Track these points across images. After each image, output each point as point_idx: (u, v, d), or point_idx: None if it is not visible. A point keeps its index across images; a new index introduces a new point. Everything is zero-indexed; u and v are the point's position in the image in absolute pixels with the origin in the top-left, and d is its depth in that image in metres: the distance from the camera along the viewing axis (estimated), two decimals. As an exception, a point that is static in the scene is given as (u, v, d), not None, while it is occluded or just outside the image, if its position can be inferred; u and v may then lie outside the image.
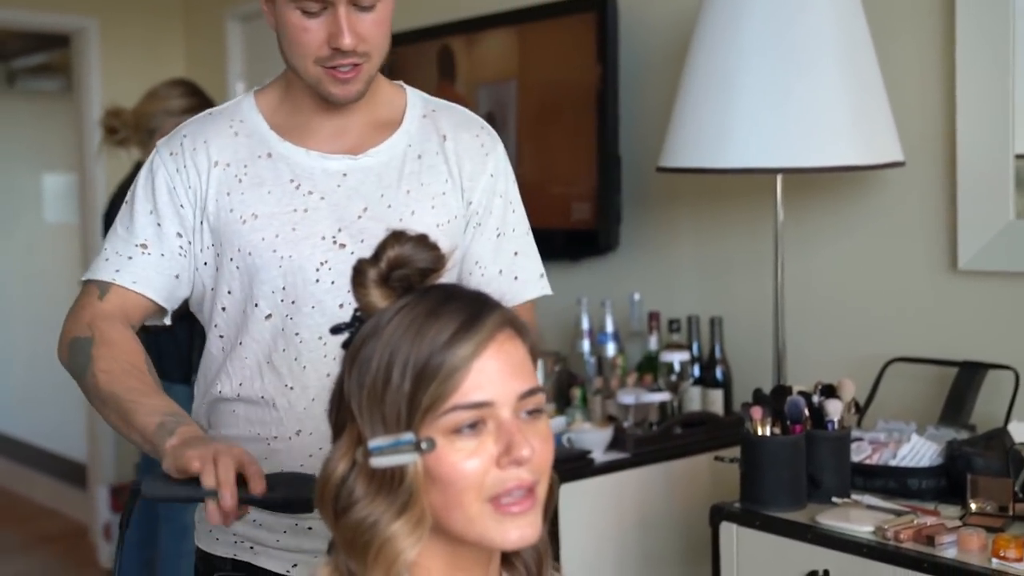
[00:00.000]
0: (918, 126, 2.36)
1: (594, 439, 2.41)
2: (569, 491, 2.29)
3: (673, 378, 2.58)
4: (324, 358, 1.51)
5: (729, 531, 2.02)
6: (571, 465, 2.32)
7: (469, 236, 1.61)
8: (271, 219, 1.53)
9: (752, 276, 2.66)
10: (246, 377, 1.55)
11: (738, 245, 2.72)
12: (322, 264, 1.52)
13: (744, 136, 2.21)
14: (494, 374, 0.99)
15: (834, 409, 2.02)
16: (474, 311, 1.01)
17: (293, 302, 1.52)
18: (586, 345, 2.84)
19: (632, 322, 2.81)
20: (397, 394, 0.98)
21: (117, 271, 1.55)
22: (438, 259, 1.06)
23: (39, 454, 5.48)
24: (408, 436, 0.98)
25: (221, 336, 1.58)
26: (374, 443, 0.98)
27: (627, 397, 2.52)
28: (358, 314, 1.06)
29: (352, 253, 1.50)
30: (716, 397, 2.64)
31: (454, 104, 1.69)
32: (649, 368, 2.65)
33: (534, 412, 1.02)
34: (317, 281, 1.52)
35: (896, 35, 2.39)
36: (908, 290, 2.41)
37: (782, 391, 2.05)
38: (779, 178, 2.36)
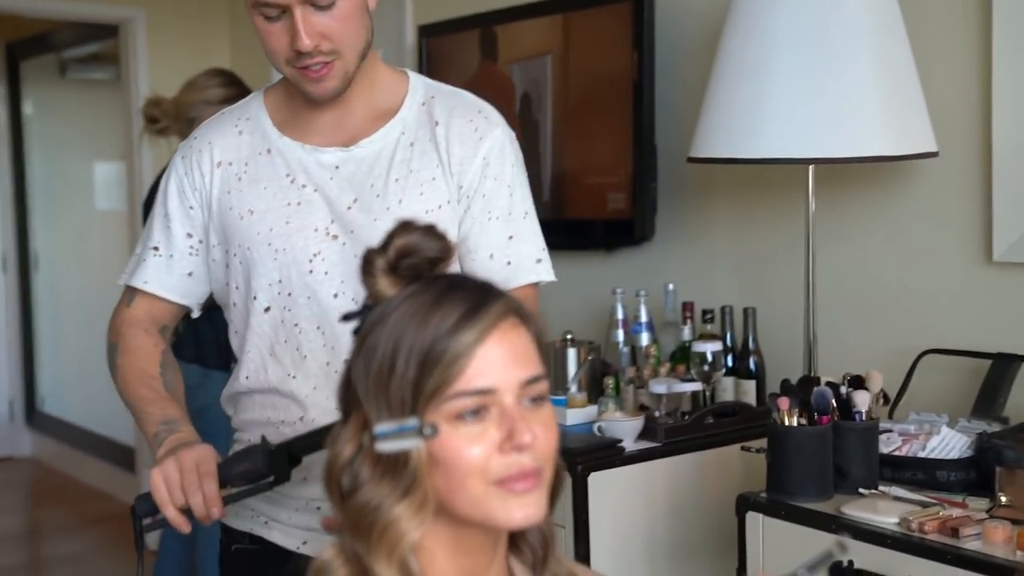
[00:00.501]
0: (952, 116, 2.34)
1: (625, 428, 2.42)
2: (599, 479, 2.30)
3: (705, 368, 2.58)
4: (323, 347, 1.55)
5: (755, 521, 2.02)
6: (601, 454, 2.33)
7: (460, 218, 1.59)
8: (266, 214, 1.58)
9: (786, 267, 2.65)
10: (252, 369, 1.62)
11: (772, 236, 2.71)
12: (315, 255, 1.56)
13: (776, 127, 2.20)
14: (497, 361, 1.01)
15: (862, 400, 2.02)
16: (479, 299, 1.03)
17: (289, 294, 1.56)
18: (620, 335, 2.84)
19: (666, 312, 2.81)
20: (402, 380, 1.00)
21: (134, 274, 1.67)
22: (446, 248, 1.08)
23: (90, 438, 5.59)
24: (412, 422, 1.00)
25: (236, 331, 1.65)
26: (379, 428, 1.01)
27: (659, 387, 2.52)
28: (368, 302, 1.08)
29: (344, 244, 1.54)
30: (749, 388, 2.63)
31: (458, 90, 1.68)
32: (682, 358, 2.66)
33: (537, 399, 1.04)
34: (311, 272, 1.55)
35: (930, 23, 2.37)
36: (942, 281, 2.39)
37: (809, 382, 2.04)
38: (811, 169, 2.35)
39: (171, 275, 1.65)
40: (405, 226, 1.07)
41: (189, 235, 1.64)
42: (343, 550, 1.03)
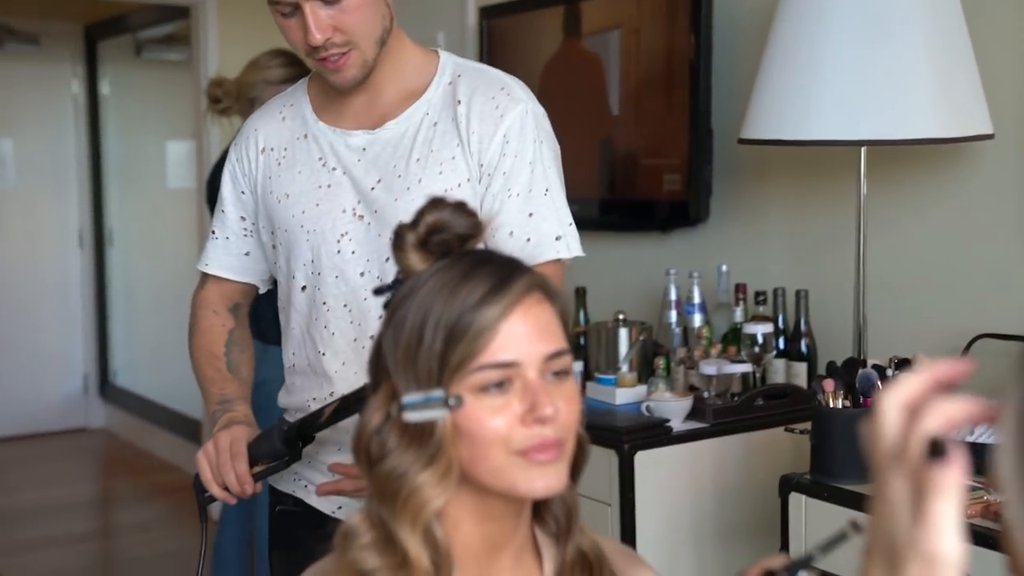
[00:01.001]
0: (1009, 97, 2.31)
1: (673, 408, 2.43)
2: (646, 458, 2.32)
3: (756, 350, 2.58)
4: (350, 324, 1.61)
5: (798, 502, 2.03)
6: (648, 433, 2.35)
7: (481, 195, 1.61)
8: (299, 197, 1.65)
9: (838, 250, 2.64)
10: (295, 345, 1.70)
11: (825, 218, 2.70)
12: (343, 236, 1.61)
13: (827, 108, 2.19)
14: (521, 336, 1.04)
15: (908, 383, 2.01)
16: (504, 274, 1.06)
17: (319, 273, 1.62)
18: (674, 316, 2.85)
19: (719, 294, 2.82)
20: (429, 352, 1.04)
21: (200, 257, 1.80)
22: (476, 225, 1.10)
23: (160, 411, 5.73)
24: (438, 393, 1.03)
25: (282, 308, 1.73)
26: (407, 399, 1.04)
27: (709, 368, 2.53)
28: (398, 276, 1.12)
29: (369, 224, 1.60)
30: (800, 370, 2.63)
31: (485, 67, 1.70)
32: (733, 340, 2.66)
33: (560, 374, 1.07)
34: (339, 252, 1.61)
35: (987, 2, 2.34)
36: (996, 265, 2.37)
37: (855, 364, 2.04)
38: (863, 151, 2.34)
39: (229, 256, 1.76)
40: (436, 203, 1.10)
41: (242, 218, 1.74)
42: (369, 515, 1.07)
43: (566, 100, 3.16)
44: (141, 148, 6.23)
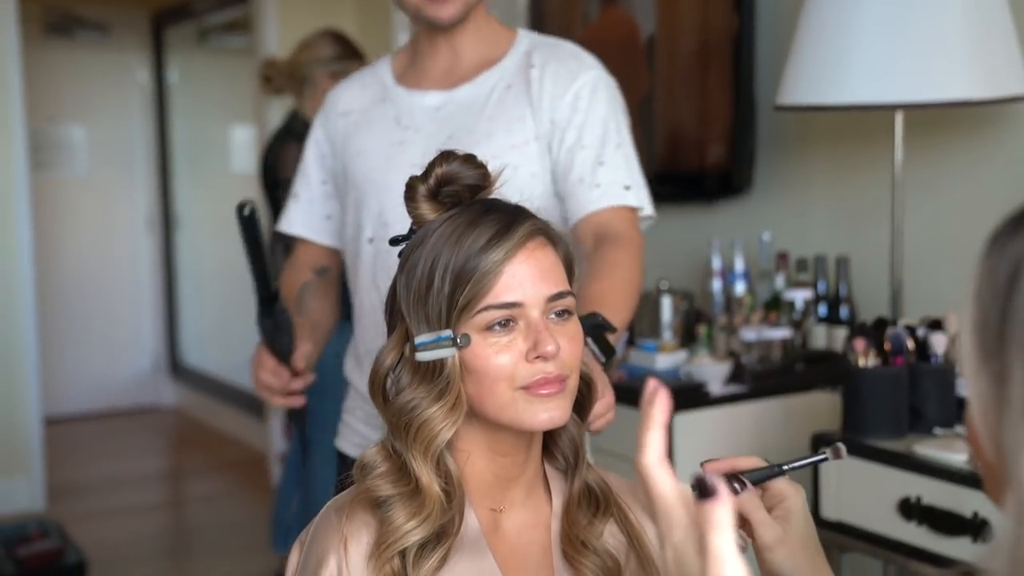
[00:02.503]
0: (1046, 59, 2.30)
1: (711, 372, 2.47)
2: (684, 421, 2.37)
3: (796, 316, 2.61)
4: None
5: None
6: (686, 396, 2.40)
7: (555, 151, 1.68)
8: (371, 153, 1.73)
9: (878, 216, 2.65)
10: (362, 297, 1.76)
11: (866, 185, 2.72)
12: None
13: (861, 71, 2.21)
14: (524, 278, 1.10)
15: (938, 342, 2.04)
16: (508, 221, 1.12)
17: (385, 224, 1.68)
18: (717, 284, 2.89)
19: (761, 262, 2.84)
20: (438, 295, 1.10)
21: (285, 220, 1.88)
22: (484, 176, 1.17)
23: (224, 387, 5.89)
24: (447, 333, 1.10)
25: (350, 264, 1.80)
26: (418, 339, 1.11)
27: (749, 333, 2.57)
28: (412, 227, 1.18)
29: None
30: (840, 335, 2.65)
31: (561, 40, 1.79)
32: (775, 306, 2.69)
33: (563, 314, 1.13)
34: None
35: (1025, -34, 2.34)
36: (1035, 228, 2.37)
37: (884, 324, 2.07)
38: (899, 116, 2.35)
39: (311, 217, 1.85)
40: (446, 155, 1.17)
41: (324, 182, 1.84)
42: (384, 448, 1.14)
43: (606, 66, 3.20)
44: (206, 134, 6.38)
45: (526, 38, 1.76)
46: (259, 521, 4.23)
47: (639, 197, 1.69)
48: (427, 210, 1.16)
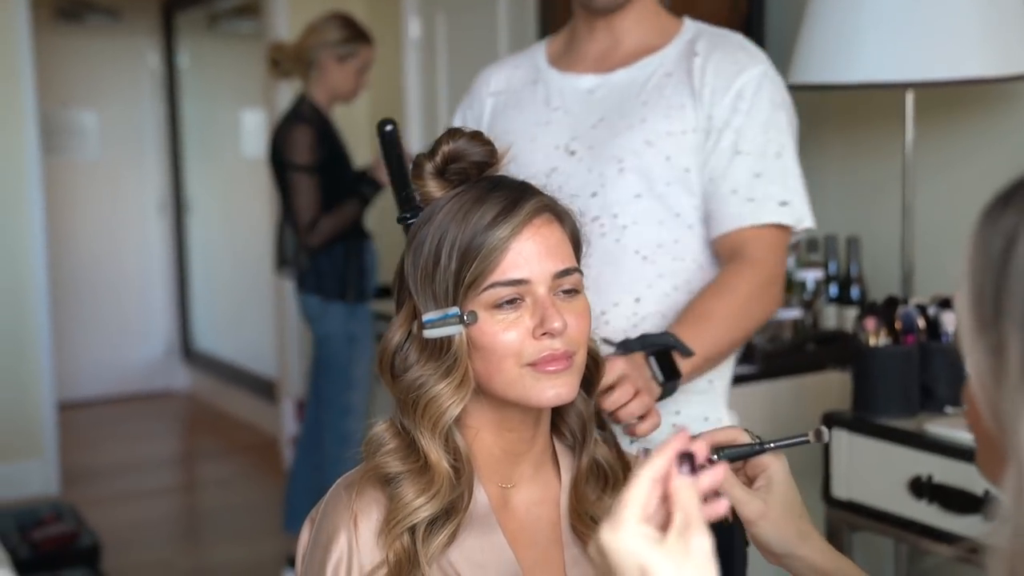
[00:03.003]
0: (1058, 36, 2.29)
1: (722, 352, 2.47)
2: (694, 401, 2.37)
3: (806, 296, 2.61)
4: None
5: (839, 438, 2.06)
6: (697, 376, 2.39)
7: (708, 151, 1.60)
8: (517, 133, 1.66)
9: (889, 196, 2.64)
10: None
11: (877, 164, 2.71)
12: (552, 170, 1.62)
13: (871, 49, 2.20)
14: (531, 255, 1.10)
15: (949, 321, 2.03)
16: (515, 197, 1.12)
17: None
18: (727, 265, 2.88)
19: (772, 242, 2.83)
20: (445, 272, 1.11)
21: None
22: (491, 153, 1.17)
23: (237, 372, 5.90)
24: (454, 310, 1.10)
25: None
26: (426, 316, 1.11)
27: (759, 313, 2.56)
28: (420, 204, 1.18)
29: (581, 160, 1.60)
30: (852, 315, 2.64)
31: (728, 31, 1.70)
32: (786, 287, 2.68)
33: (570, 291, 1.13)
34: (545, 187, 1.63)
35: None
36: (1048, 206, 2.36)
37: (895, 303, 2.06)
38: (910, 95, 2.34)
39: None
40: (452, 132, 1.16)
41: None
42: (393, 425, 1.14)
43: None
44: (217, 119, 6.38)
45: (692, 27, 1.70)
46: (272, 504, 4.25)
47: (795, 213, 1.61)
48: (434, 187, 1.16)
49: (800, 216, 1.61)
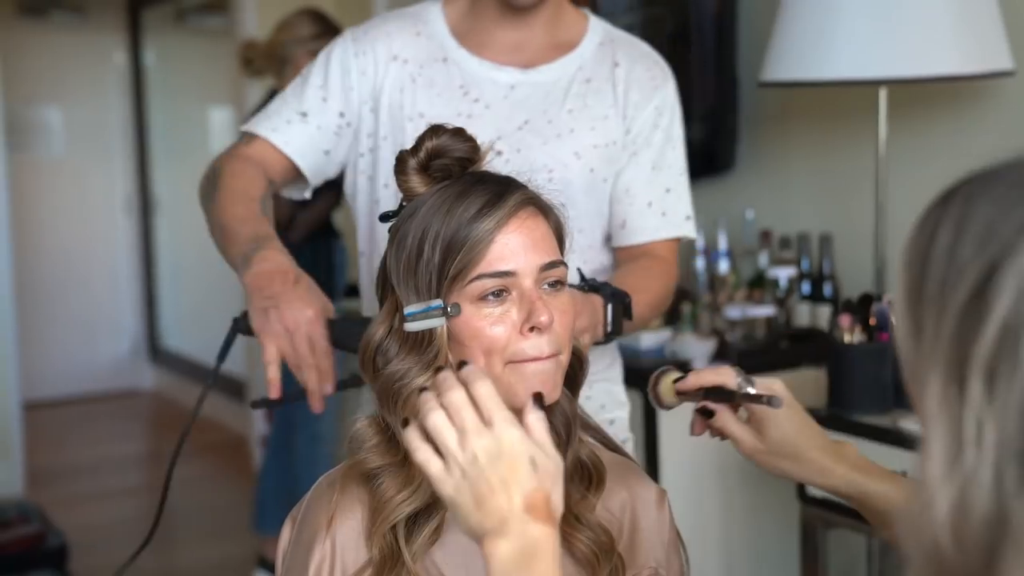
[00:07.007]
0: (1030, 34, 2.31)
1: (696, 350, 2.47)
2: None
3: (780, 293, 2.61)
4: None
5: (815, 435, 2.07)
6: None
7: (624, 163, 1.63)
8: (435, 120, 1.59)
9: (862, 193, 2.65)
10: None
11: (849, 161, 2.72)
12: None
13: (844, 47, 2.20)
14: (516, 247, 1.09)
15: (923, 318, 2.04)
16: (499, 191, 1.11)
17: None
18: (700, 263, 2.89)
19: (745, 240, 2.84)
20: (428, 265, 1.09)
21: (273, 129, 1.62)
22: (474, 149, 1.16)
23: (204, 371, 5.85)
24: (437, 302, 1.09)
25: (361, 226, 1.70)
26: (408, 309, 1.10)
27: (733, 311, 2.57)
28: (402, 202, 1.17)
29: (507, 161, 1.56)
30: (825, 313, 2.65)
31: (634, 38, 1.72)
32: (758, 284, 2.69)
33: (556, 284, 1.12)
34: None
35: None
36: (1019, 204, 2.38)
37: (869, 300, 2.07)
38: (882, 92, 2.35)
39: (311, 145, 1.62)
40: (435, 129, 1.16)
41: (341, 115, 1.63)
42: (375, 421, 1.13)
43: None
44: (184, 116, 6.33)
45: (599, 25, 1.69)
46: (240, 504, 4.22)
47: (693, 227, 1.68)
48: (417, 183, 1.15)
49: (694, 228, 1.70)
